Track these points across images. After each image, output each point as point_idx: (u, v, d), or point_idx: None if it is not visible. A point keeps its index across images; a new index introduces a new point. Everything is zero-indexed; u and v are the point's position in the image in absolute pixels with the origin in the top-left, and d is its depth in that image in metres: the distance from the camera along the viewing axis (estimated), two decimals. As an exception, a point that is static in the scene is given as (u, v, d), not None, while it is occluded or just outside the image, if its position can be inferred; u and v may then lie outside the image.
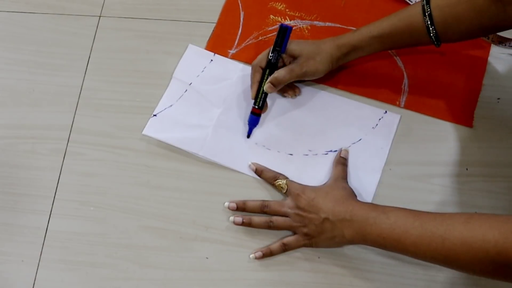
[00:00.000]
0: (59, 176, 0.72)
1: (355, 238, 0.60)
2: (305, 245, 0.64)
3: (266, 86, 0.68)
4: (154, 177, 0.71)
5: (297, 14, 0.79)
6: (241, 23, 0.79)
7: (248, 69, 0.72)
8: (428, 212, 0.56)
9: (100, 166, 0.72)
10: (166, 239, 0.68)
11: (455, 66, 0.74)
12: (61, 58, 0.80)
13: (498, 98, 0.72)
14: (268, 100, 0.72)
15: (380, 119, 0.71)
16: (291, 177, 0.68)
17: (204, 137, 0.71)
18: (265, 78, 0.68)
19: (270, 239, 0.66)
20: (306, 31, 0.78)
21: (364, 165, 0.69)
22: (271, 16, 0.79)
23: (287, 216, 0.64)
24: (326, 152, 0.70)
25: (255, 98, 0.69)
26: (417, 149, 0.70)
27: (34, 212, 0.71)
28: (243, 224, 0.66)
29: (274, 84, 0.67)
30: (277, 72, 0.68)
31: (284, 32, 0.68)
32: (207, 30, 0.79)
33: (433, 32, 0.63)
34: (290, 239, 0.64)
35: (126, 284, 0.66)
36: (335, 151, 0.70)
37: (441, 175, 0.68)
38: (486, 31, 0.64)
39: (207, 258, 0.67)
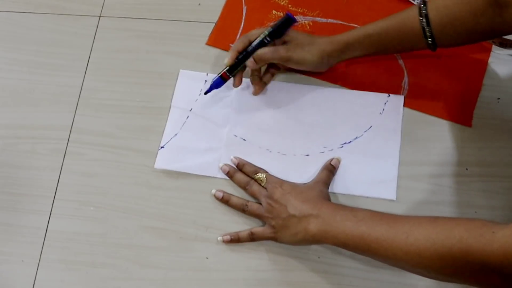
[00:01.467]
0: (59, 176, 0.72)
1: (317, 234, 0.59)
2: (270, 238, 0.64)
3: (248, 62, 0.67)
4: (154, 177, 0.71)
5: (299, 10, 0.79)
6: (243, 18, 0.79)
7: (245, 81, 0.72)
8: (393, 214, 0.57)
9: (100, 166, 0.72)
10: (166, 239, 0.68)
11: (456, 66, 0.74)
12: (61, 58, 0.80)
13: (498, 98, 0.72)
14: (273, 106, 0.72)
15: (385, 103, 0.72)
16: (311, 177, 0.68)
17: (218, 158, 0.70)
18: (251, 48, 0.68)
19: (270, 241, 0.66)
20: (308, 27, 0.78)
21: (381, 151, 0.69)
22: (274, 12, 0.79)
23: (261, 204, 0.65)
24: (341, 146, 0.70)
25: (231, 67, 0.69)
26: (417, 149, 0.70)
27: (34, 212, 0.71)
28: (222, 199, 0.67)
29: (256, 61, 0.67)
30: (262, 49, 0.67)
31: (288, 23, 0.67)
32: (207, 30, 0.79)
33: (429, 34, 0.62)
34: (258, 229, 0.65)
35: (126, 284, 0.66)
36: (350, 142, 0.70)
37: (441, 175, 0.68)
38: (483, 35, 0.63)
39: (207, 258, 0.67)
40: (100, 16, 0.82)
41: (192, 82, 0.75)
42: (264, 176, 0.67)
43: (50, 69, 0.79)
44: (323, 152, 0.70)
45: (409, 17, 0.63)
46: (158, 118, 0.74)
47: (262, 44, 0.68)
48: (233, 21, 0.79)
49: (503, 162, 0.68)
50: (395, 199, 0.67)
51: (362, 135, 0.70)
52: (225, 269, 0.66)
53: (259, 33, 0.68)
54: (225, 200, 0.68)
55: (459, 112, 0.71)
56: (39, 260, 0.68)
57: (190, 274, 0.66)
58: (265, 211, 0.64)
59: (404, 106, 0.72)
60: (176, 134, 0.72)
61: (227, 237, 0.66)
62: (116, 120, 0.75)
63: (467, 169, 0.69)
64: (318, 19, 0.79)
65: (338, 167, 0.69)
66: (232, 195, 0.68)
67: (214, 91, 0.71)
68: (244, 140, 0.71)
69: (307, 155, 0.70)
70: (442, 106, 0.72)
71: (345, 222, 0.57)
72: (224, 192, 0.68)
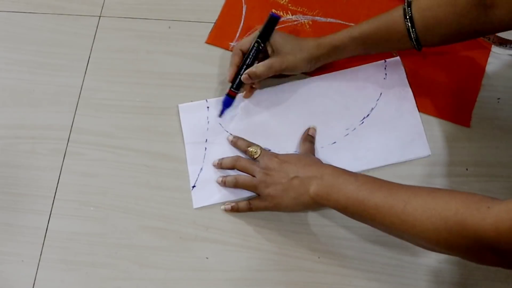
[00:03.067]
0: (59, 176, 0.72)
1: (319, 195, 0.59)
2: (267, 208, 0.65)
3: (243, 77, 0.69)
4: (154, 177, 0.71)
5: (299, 9, 0.79)
6: (243, 16, 0.80)
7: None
8: (395, 182, 0.57)
9: (100, 166, 0.72)
10: (166, 239, 0.68)
11: (455, 65, 0.74)
12: (61, 58, 0.80)
13: (498, 98, 0.72)
14: (283, 108, 0.73)
15: (385, 68, 0.73)
16: (347, 165, 0.67)
17: None
18: (247, 62, 0.69)
19: (270, 238, 0.66)
20: (307, 26, 0.78)
21: (400, 113, 0.71)
22: (274, 11, 0.79)
23: (254, 176, 0.65)
24: (361, 122, 0.71)
25: (232, 81, 0.70)
26: (417, 149, 0.70)
27: (34, 212, 0.71)
28: (232, 210, 0.67)
29: (250, 77, 0.68)
30: (256, 67, 0.68)
31: (274, 22, 0.68)
32: (207, 30, 0.79)
33: (413, 34, 0.63)
34: (255, 199, 0.66)
35: (126, 284, 0.66)
36: (368, 115, 0.71)
37: (441, 175, 0.68)
38: (467, 35, 0.64)
39: (207, 258, 0.67)
40: (100, 16, 0.82)
41: (195, 113, 0.73)
42: (258, 149, 0.67)
43: (50, 69, 0.79)
44: (347, 135, 0.71)
45: (394, 18, 0.64)
46: (158, 118, 0.74)
47: (257, 51, 0.69)
48: (232, 19, 0.79)
49: (503, 162, 0.68)
50: (430, 153, 0.68)
51: (376, 104, 0.72)
52: (225, 269, 0.66)
53: (250, 41, 0.69)
54: (235, 210, 0.68)
55: (457, 112, 0.71)
56: (39, 260, 0.68)
57: (190, 274, 0.66)
58: (259, 181, 0.64)
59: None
60: (201, 169, 0.71)
61: (228, 206, 0.67)
62: (116, 120, 0.75)
63: (467, 169, 0.69)
64: (317, 18, 0.79)
65: (315, 135, 0.70)
66: (238, 201, 0.68)
67: (231, 118, 0.73)
68: (269, 150, 0.70)
69: (334, 142, 0.70)
70: (440, 106, 0.72)
71: (347, 186, 0.58)
72: (230, 203, 0.68)
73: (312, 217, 0.68)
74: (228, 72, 0.71)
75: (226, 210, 0.68)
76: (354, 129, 0.71)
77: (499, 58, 0.74)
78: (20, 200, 0.71)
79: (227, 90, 0.71)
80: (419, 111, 0.72)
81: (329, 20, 0.78)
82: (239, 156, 0.69)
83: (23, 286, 0.67)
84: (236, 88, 0.71)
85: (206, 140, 0.72)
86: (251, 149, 0.68)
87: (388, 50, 0.72)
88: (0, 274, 0.68)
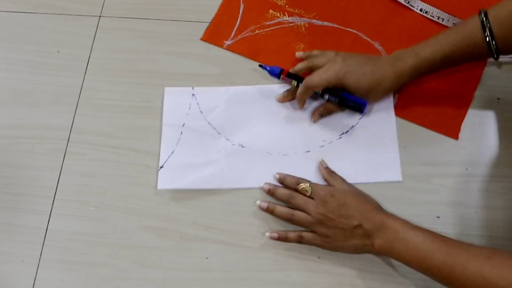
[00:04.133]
0: (59, 176, 0.72)
1: (383, 248, 0.59)
2: (318, 245, 0.64)
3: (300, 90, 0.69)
4: (154, 177, 0.71)
5: (296, 11, 0.79)
6: (240, 15, 0.80)
7: (233, 89, 0.73)
8: (454, 240, 0.57)
9: (100, 166, 0.72)
10: (166, 239, 0.68)
11: (450, 74, 0.72)
12: (61, 58, 0.80)
13: (498, 98, 0.72)
14: (264, 110, 0.73)
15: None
16: (314, 173, 0.69)
17: (220, 170, 0.70)
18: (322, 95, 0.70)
19: (271, 241, 0.66)
20: (303, 29, 0.78)
21: (378, 134, 0.71)
22: (271, 11, 0.80)
23: (309, 214, 0.64)
24: (339, 137, 0.71)
25: (293, 74, 0.72)
26: (417, 149, 0.70)
27: (34, 212, 0.71)
28: (267, 210, 0.66)
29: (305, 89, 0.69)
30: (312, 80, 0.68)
31: (345, 98, 0.69)
32: (207, 30, 0.79)
33: (494, 46, 0.62)
34: (309, 234, 0.64)
35: (126, 284, 0.66)
36: (347, 132, 0.71)
37: (441, 175, 0.68)
38: None
39: (207, 258, 0.67)
40: (100, 16, 0.82)
41: (179, 97, 0.74)
42: (308, 185, 0.65)
43: (50, 69, 0.79)
44: (322, 146, 0.70)
45: (472, 32, 0.62)
46: (158, 118, 0.74)
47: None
48: (229, 18, 0.79)
49: (503, 162, 0.68)
50: (401, 179, 0.68)
51: (357, 123, 0.71)
52: (225, 269, 0.66)
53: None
54: (270, 210, 0.66)
55: (447, 124, 0.71)
56: (39, 260, 0.68)
57: (190, 274, 0.66)
58: (316, 221, 0.62)
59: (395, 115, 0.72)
60: (173, 152, 0.71)
61: (275, 235, 0.65)
62: (116, 120, 0.75)
63: (467, 169, 0.69)
64: (314, 21, 0.79)
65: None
66: (277, 204, 0.67)
67: (212, 108, 0.73)
68: (243, 147, 0.71)
69: (308, 151, 0.70)
70: (430, 118, 0.71)
71: (409, 242, 0.58)
72: (269, 202, 0.67)
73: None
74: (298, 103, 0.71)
75: (271, 238, 0.65)
76: (331, 142, 0.70)
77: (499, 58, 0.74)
78: (20, 200, 0.71)
79: (288, 71, 0.72)
80: (407, 120, 0.71)
81: (325, 23, 0.78)
82: (295, 193, 0.66)
83: (23, 286, 0.67)
84: (290, 77, 0.71)
85: (184, 124, 0.73)
86: (303, 186, 0.65)
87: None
88: (0, 274, 0.68)
